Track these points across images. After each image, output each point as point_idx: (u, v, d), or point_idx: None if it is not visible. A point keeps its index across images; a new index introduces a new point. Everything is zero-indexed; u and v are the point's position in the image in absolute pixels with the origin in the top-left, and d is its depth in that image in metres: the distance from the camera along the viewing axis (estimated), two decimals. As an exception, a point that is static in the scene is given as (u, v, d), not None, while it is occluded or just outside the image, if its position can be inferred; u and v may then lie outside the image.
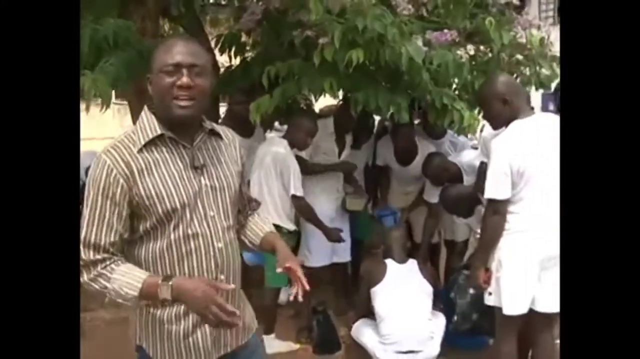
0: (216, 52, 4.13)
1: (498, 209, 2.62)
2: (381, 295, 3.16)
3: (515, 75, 3.78)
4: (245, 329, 1.76)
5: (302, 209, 3.52)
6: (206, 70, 1.58)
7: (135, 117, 4.16)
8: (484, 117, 3.03)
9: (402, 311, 3.08)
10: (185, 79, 1.51)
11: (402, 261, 3.29)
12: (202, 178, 1.61)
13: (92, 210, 1.51)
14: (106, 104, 2.82)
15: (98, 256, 1.50)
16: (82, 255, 1.50)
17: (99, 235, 1.51)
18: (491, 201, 2.63)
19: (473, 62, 3.47)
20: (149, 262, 1.58)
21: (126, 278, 1.49)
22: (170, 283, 1.46)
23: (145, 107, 1.60)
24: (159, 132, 1.55)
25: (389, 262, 3.28)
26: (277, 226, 3.31)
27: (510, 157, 2.57)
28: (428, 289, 3.23)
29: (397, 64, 3.03)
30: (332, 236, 3.60)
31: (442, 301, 3.44)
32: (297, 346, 3.64)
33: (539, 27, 3.83)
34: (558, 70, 3.90)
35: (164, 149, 1.57)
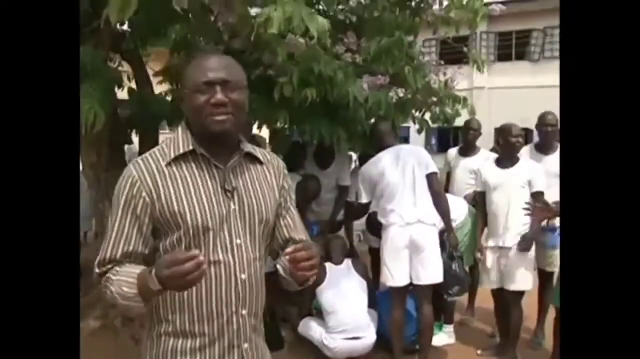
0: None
1: (363, 211, 3.94)
2: (326, 293, 3.76)
3: (429, 114, 4.62)
4: None
5: None
6: (240, 84, 1.49)
7: (83, 139, 4.43)
8: None
9: (345, 304, 3.70)
10: (219, 96, 1.43)
11: (339, 262, 3.93)
12: (232, 203, 1.48)
13: (114, 222, 1.44)
14: (100, 125, 3.11)
15: (109, 266, 1.43)
16: (96, 269, 1.44)
17: (115, 249, 1.44)
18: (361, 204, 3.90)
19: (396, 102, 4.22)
20: None
21: (124, 277, 1.38)
22: (153, 271, 1.29)
23: (183, 123, 1.54)
24: (191, 147, 1.47)
25: (328, 265, 3.89)
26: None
27: (367, 175, 3.79)
28: (363, 283, 3.88)
29: (339, 101, 3.67)
30: None
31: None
32: (246, 345, 4.07)
33: (445, 74, 4.71)
34: (460, 109, 4.81)
35: (194, 166, 1.47)
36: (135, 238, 1.44)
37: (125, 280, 1.37)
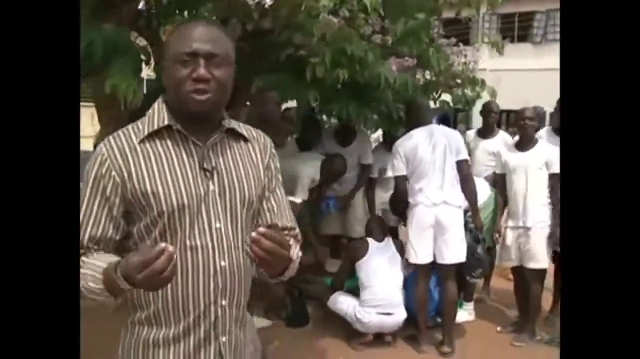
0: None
1: (398, 185, 3.87)
2: (364, 267, 3.87)
3: (449, 95, 4.67)
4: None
5: None
6: (227, 60, 1.34)
7: (102, 117, 4.44)
8: None
9: (382, 280, 3.81)
10: (202, 71, 1.28)
11: (380, 239, 4.02)
12: (210, 182, 1.35)
13: (82, 205, 1.32)
14: (139, 102, 3.13)
15: None
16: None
17: (82, 234, 1.30)
18: (394, 179, 3.90)
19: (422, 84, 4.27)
20: None
21: (89, 271, 1.24)
22: (118, 269, 1.17)
23: (160, 97, 1.39)
24: (167, 123, 1.33)
25: (370, 240, 3.99)
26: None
27: (401, 149, 3.80)
28: (400, 262, 3.95)
29: (369, 82, 3.71)
30: None
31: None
32: (270, 322, 4.15)
33: (465, 55, 4.75)
34: (480, 91, 4.87)
35: (169, 144, 1.34)
36: (104, 221, 1.32)
37: (91, 274, 1.24)
